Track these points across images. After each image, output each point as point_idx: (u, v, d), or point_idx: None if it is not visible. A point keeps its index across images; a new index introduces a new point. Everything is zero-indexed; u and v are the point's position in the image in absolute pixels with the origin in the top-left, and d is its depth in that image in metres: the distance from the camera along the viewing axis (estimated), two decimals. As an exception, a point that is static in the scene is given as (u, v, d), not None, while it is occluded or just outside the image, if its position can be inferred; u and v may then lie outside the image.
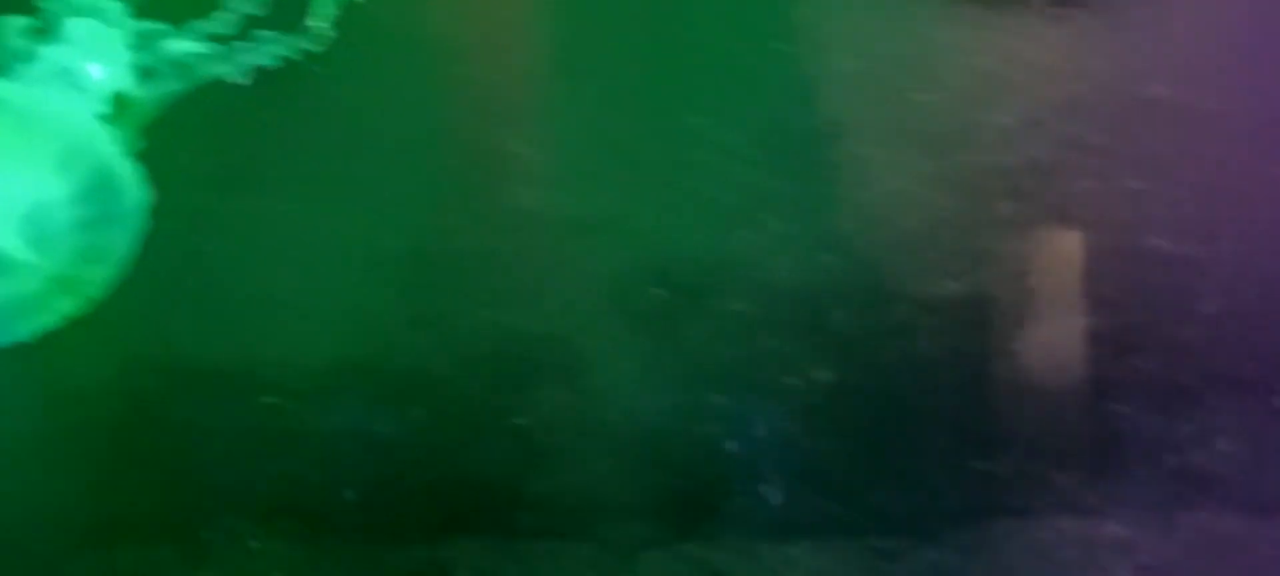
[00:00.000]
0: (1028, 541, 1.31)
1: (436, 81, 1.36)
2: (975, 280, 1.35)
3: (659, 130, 1.38)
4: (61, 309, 1.26)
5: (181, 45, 1.28)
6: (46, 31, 1.25)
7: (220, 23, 1.29)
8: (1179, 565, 1.28)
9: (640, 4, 1.54)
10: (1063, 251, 1.39)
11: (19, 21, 1.24)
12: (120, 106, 1.25)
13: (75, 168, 1.20)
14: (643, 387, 1.34)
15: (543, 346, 1.35)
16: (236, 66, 1.28)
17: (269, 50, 1.26)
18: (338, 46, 1.23)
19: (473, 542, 1.33)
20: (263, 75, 1.21)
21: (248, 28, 1.30)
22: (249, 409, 1.32)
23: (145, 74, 1.28)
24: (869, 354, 1.35)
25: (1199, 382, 1.31)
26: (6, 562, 1.24)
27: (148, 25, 1.30)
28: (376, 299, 1.35)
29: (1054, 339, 1.34)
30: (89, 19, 1.27)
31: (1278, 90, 1.47)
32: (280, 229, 1.35)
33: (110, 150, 1.22)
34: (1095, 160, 1.40)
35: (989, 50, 1.49)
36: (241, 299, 1.34)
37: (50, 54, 1.25)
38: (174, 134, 1.25)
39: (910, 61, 1.45)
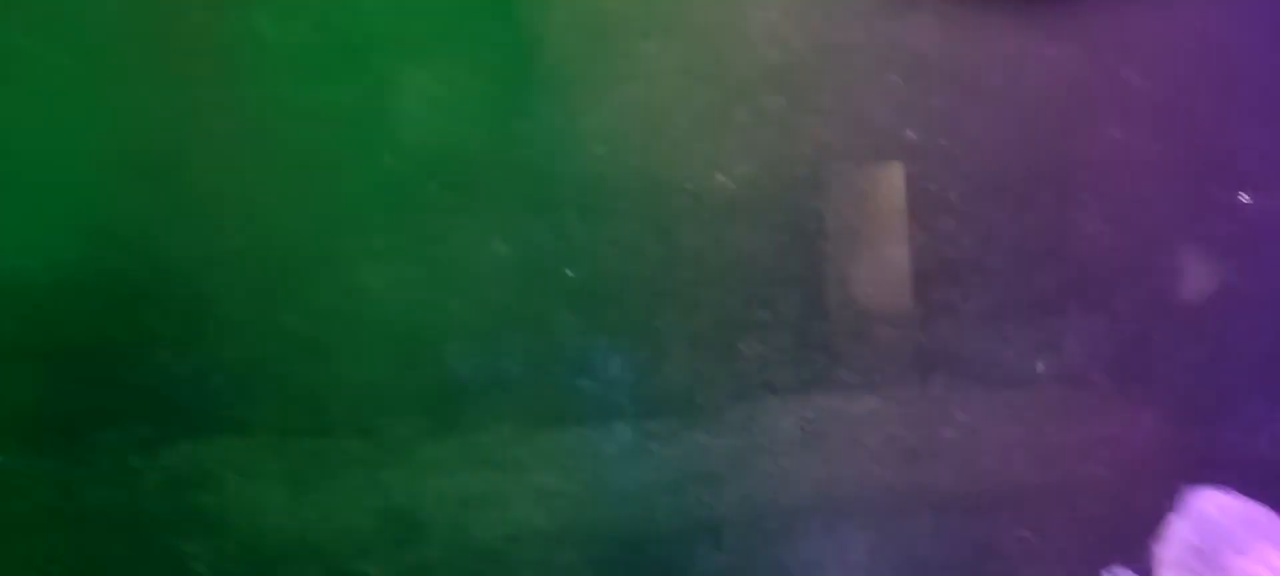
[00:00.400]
0: (791, 417, 1.37)
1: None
2: (736, 172, 1.39)
3: (419, 19, 1.35)
4: None
5: None
6: None
7: None
8: (927, 432, 1.37)
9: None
10: (819, 144, 1.44)
11: None
12: None
13: None
14: (411, 281, 1.32)
15: (308, 241, 1.32)
16: None
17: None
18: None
19: (239, 441, 1.30)
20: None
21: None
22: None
23: None
24: (637, 243, 1.37)
25: (942, 265, 1.39)
26: None
27: None
28: (122, 201, 1.28)
29: (810, 226, 1.39)
30: None
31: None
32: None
33: None
34: (854, 56, 1.45)
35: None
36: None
37: None
38: None
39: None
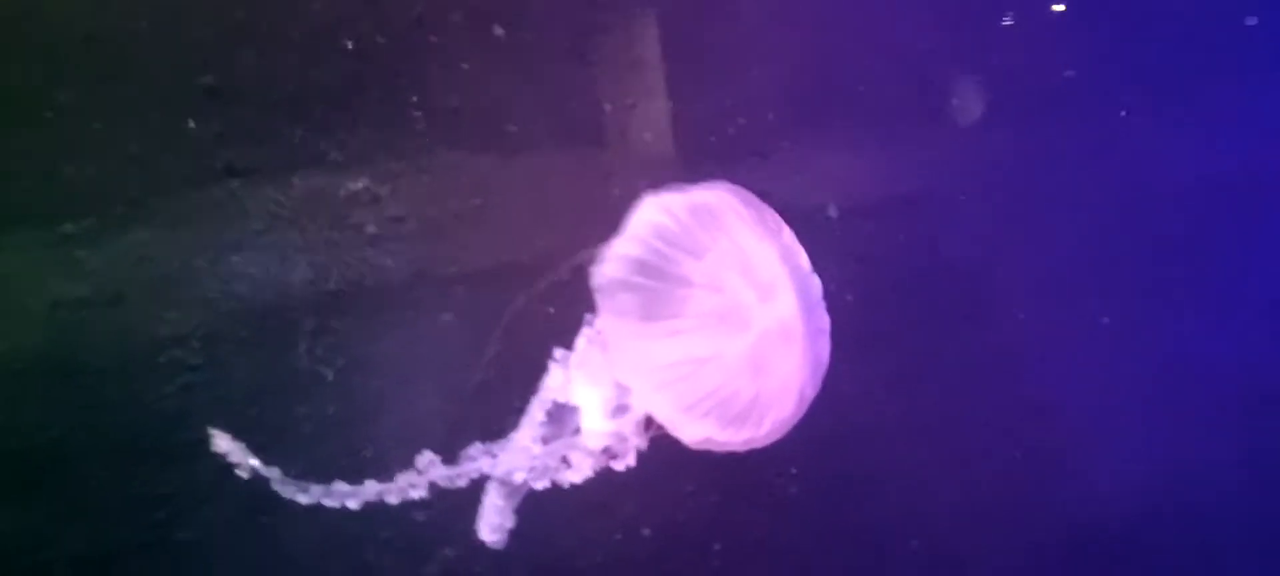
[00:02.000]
0: (264, 201, 1.10)
1: None
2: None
3: None
4: None
5: None
6: None
7: None
8: (425, 208, 1.15)
9: None
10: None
11: None
12: None
13: None
14: None
15: None
16: None
17: None
18: None
19: None
20: None
21: None
22: None
23: None
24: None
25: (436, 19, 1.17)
26: None
27: None
28: None
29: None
30: None
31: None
32: None
33: None
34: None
35: None
36: None
37: None
38: None
39: None
